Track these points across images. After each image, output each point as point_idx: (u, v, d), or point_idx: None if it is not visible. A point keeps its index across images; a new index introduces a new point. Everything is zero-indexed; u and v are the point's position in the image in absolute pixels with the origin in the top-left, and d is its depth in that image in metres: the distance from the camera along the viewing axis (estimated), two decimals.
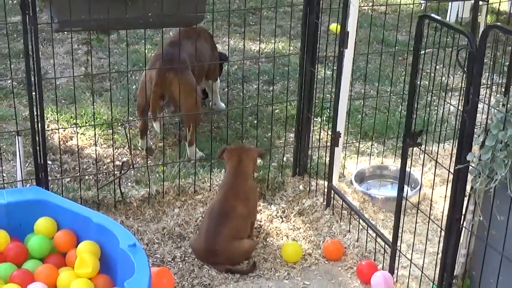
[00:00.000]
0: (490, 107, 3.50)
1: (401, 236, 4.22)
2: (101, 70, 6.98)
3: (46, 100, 6.29)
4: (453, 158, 3.63)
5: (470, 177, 3.63)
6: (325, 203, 4.94)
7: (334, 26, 7.82)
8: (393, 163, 5.47)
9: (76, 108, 5.04)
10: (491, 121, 3.49)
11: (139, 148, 5.68)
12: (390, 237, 4.30)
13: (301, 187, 5.13)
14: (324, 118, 5.97)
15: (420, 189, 4.99)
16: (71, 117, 6.06)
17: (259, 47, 6.67)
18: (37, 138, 4.46)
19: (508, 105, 3.46)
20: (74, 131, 5.79)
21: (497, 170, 3.42)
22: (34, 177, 4.66)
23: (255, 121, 6.01)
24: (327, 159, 5.05)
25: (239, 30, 8.23)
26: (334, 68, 6.66)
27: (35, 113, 4.41)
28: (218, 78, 6.31)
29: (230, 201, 4.47)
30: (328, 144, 5.02)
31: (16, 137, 4.52)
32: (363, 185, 5.21)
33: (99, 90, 6.62)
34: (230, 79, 6.82)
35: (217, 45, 6.37)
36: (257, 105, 5.46)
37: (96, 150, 5.35)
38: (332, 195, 4.90)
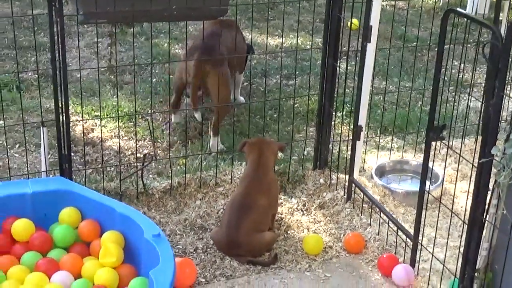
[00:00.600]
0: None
1: (423, 230, 4.24)
2: (121, 63, 7.02)
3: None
4: (476, 153, 3.64)
5: (493, 171, 3.64)
6: (345, 196, 4.96)
7: (357, 21, 7.85)
8: (413, 158, 5.49)
9: (100, 100, 5.07)
10: None
11: (172, 122, 5.84)
12: (411, 231, 4.31)
13: (321, 180, 5.15)
14: (345, 113, 5.98)
15: (442, 183, 5.00)
16: (92, 109, 6.11)
17: (282, 42, 6.69)
18: (61, 129, 4.50)
19: None
20: (96, 123, 5.83)
21: None
22: (58, 168, 4.71)
23: (275, 115, 6.05)
24: (348, 153, 5.08)
25: (257, 24, 8.26)
26: (353, 63, 6.77)
27: (60, 105, 4.45)
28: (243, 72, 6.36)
29: (252, 194, 4.49)
30: (349, 138, 5.03)
31: (41, 128, 4.55)
32: (383, 179, 5.22)
33: (120, 83, 6.66)
34: (249, 73, 6.84)
35: None
36: (279, 99, 5.48)
37: (119, 142, 5.37)
38: (353, 189, 4.91)
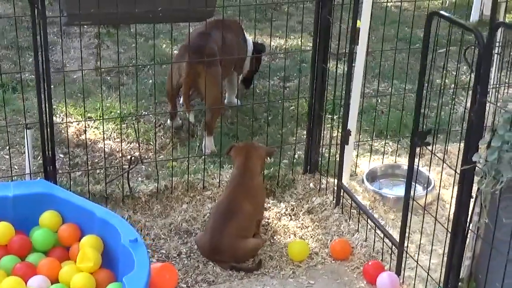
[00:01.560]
0: (496, 107, 3.43)
1: (408, 237, 4.15)
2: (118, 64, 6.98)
3: (62, 93, 6.33)
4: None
5: (477, 179, 3.55)
6: (334, 201, 4.88)
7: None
8: (406, 162, 5.39)
9: (84, 102, 5.03)
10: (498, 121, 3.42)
11: (167, 125, 5.83)
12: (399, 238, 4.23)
13: (311, 185, 5.07)
14: (337, 116, 5.89)
15: (431, 189, 4.92)
16: (86, 110, 6.06)
17: (285, 43, 6.60)
18: (45, 131, 4.45)
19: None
20: (88, 125, 5.79)
21: (503, 172, 3.35)
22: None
23: (270, 117, 5.99)
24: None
25: (259, 25, 8.19)
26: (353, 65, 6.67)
27: (44, 106, 4.40)
28: (241, 75, 6.30)
29: (237, 199, 4.42)
30: (337, 142, 4.95)
31: (25, 130, 4.52)
32: (375, 184, 5.14)
33: (115, 84, 6.62)
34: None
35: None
36: (268, 102, 5.41)
37: (104, 144, 5.30)
38: (341, 194, 4.83)
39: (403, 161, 5.44)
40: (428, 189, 4.93)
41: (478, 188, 3.56)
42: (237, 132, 5.41)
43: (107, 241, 4.01)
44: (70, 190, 4.69)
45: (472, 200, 3.63)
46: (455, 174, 3.66)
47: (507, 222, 3.42)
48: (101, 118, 5.42)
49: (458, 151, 3.69)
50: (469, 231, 3.66)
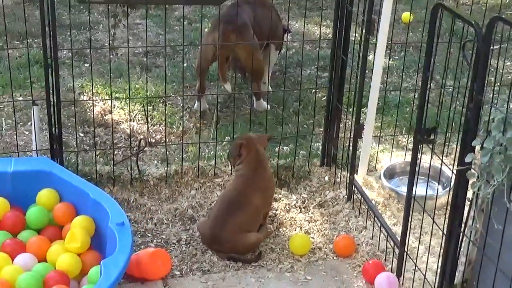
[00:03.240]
0: (492, 106, 3.23)
1: (409, 238, 3.97)
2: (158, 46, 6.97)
3: (95, 73, 6.34)
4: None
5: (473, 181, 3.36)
6: (347, 196, 4.73)
7: (406, 15, 7.54)
8: (427, 160, 5.18)
9: (92, 81, 4.99)
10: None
11: (194, 110, 5.80)
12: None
13: (326, 178, 4.93)
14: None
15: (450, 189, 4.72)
16: (114, 91, 6.05)
17: (321, 31, 6.44)
18: (51, 108, 4.44)
19: (511, 105, 3.17)
20: (114, 105, 5.77)
21: (495, 175, 3.16)
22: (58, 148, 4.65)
23: (301, 107, 5.85)
24: (359, 150, 4.83)
25: (308, 14, 8.04)
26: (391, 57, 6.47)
27: (50, 83, 4.39)
28: (278, 53, 6.28)
29: (246, 192, 4.28)
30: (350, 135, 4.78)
31: (32, 106, 4.51)
32: (393, 181, 4.95)
33: (150, 66, 6.60)
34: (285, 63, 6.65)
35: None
36: (284, 90, 5.29)
37: (112, 126, 5.22)
38: (353, 189, 4.68)
39: (426, 159, 5.23)
40: (447, 189, 4.72)
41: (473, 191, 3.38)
42: (250, 121, 5.27)
43: (99, 223, 3.98)
44: (77, 170, 4.68)
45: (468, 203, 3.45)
46: (451, 175, 3.48)
47: (498, 228, 3.22)
48: (110, 98, 5.38)
49: (455, 151, 3.49)
50: (464, 235, 3.48)
